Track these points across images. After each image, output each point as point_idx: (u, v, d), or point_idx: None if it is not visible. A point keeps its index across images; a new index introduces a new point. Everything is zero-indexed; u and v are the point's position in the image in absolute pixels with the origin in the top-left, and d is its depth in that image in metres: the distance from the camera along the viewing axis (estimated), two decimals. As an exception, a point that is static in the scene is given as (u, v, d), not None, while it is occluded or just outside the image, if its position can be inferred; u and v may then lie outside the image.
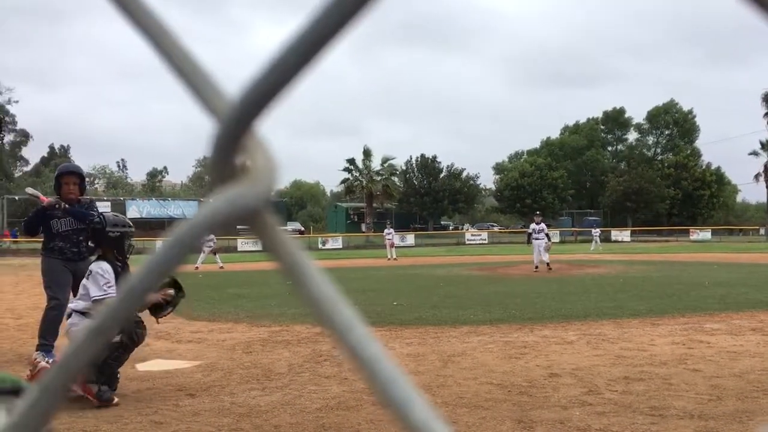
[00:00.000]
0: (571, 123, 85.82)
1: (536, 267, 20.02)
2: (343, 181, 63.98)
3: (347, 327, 0.36)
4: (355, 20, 0.33)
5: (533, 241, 20.44)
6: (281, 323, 9.69)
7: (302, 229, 65.56)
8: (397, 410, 0.33)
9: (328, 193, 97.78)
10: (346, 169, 63.14)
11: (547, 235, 20.54)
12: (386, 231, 33.03)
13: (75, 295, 5.89)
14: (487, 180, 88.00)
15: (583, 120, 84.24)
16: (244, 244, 46.67)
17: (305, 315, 10.43)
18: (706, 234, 54.84)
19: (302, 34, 0.34)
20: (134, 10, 0.39)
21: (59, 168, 7.10)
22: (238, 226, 0.37)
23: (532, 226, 20.95)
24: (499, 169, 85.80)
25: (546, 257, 20.04)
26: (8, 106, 71.59)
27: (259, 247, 47.98)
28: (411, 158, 69.59)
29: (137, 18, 0.40)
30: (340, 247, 49.02)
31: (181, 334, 8.95)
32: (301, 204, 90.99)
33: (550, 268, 19.84)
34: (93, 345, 0.36)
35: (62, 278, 6.59)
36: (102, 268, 5.39)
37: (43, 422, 0.35)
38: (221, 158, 0.37)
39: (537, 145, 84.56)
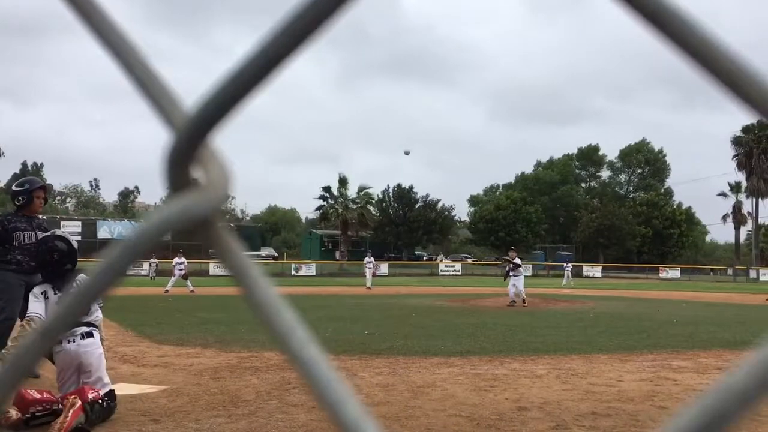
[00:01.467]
0: (545, 159, 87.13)
1: (511, 302, 20.05)
2: (319, 208, 63.95)
3: (288, 330, 0.39)
4: (311, 38, 0.34)
5: (511, 276, 20.49)
6: (251, 349, 9.57)
7: (275, 255, 65.10)
8: (331, 410, 0.36)
9: (304, 220, 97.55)
10: (321, 197, 63.19)
11: (514, 261, 20.46)
12: (366, 259, 32.99)
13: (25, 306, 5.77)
14: (462, 212, 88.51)
15: (558, 156, 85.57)
16: (215, 268, 46.22)
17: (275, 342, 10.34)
18: (675, 272, 55.68)
19: (258, 50, 0.35)
20: (96, 21, 0.40)
21: (32, 181, 7.05)
22: (195, 238, 0.39)
23: (509, 257, 20.94)
24: (474, 201, 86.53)
25: (522, 291, 20.06)
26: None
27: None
28: (388, 187, 69.71)
29: (99, 29, 0.41)
30: (314, 274, 48.79)
31: (148, 358, 8.80)
32: (275, 230, 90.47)
33: (524, 303, 19.86)
34: (40, 346, 0.37)
35: (16, 292, 6.49)
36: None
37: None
38: (176, 168, 0.38)
39: (512, 179, 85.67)
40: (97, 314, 5.53)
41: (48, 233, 5.99)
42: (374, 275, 32.96)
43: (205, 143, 0.38)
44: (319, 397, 0.36)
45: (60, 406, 5.03)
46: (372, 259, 33.25)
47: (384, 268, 51.97)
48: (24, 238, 6.63)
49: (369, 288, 30.25)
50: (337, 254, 63.30)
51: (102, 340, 5.62)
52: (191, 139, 0.38)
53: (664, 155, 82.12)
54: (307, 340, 0.38)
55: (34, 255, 6.44)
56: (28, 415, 5.01)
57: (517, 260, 20.73)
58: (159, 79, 0.41)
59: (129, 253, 0.37)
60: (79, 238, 36.29)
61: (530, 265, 53.13)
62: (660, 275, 55.06)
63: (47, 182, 7.23)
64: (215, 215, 0.38)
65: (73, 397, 4.99)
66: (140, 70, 0.41)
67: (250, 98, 0.37)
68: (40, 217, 6.97)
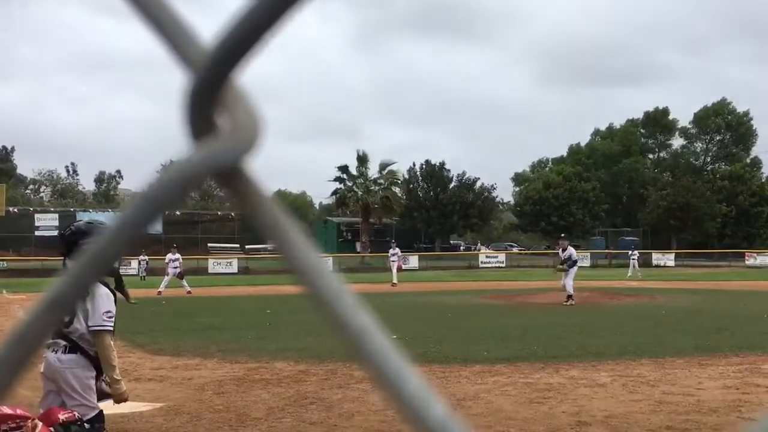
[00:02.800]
0: (603, 126, 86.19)
1: (568, 296, 19.86)
2: (335, 192, 64.05)
3: (333, 295, 0.39)
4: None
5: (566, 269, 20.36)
6: (259, 359, 9.67)
7: (286, 266, 65.67)
8: (389, 385, 0.37)
9: (317, 206, 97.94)
10: (337, 179, 63.16)
11: (569, 260, 20.30)
12: (391, 251, 33.04)
13: None
14: (506, 192, 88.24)
15: (619, 122, 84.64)
16: (215, 265, 46.76)
17: (288, 350, 10.43)
18: (765, 258, 54.52)
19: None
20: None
21: None
22: (218, 187, 0.39)
23: (559, 254, 20.88)
24: (519, 179, 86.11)
25: (570, 286, 19.90)
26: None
27: (233, 269, 48.18)
28: (414, 165, 69.41)
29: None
30: (331, 269, 49.24)
31: (141, 371, 8.93)
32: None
33: (567, 301, 19.66)
34: (50, 316, 0.38)
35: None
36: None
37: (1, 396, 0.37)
38: (197, 112, 0.38)
39: (564, 151, 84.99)
40: (77, 326, 5.60)
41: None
42: (400, 269, 32.96)
43: (229, 83, 0.39)
44: (372, 371, 0.37)
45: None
46: (398, 250, 33.31)
47: (413, 260, 52.06)
48: None
49: (394, 284, 30.31)
50: (358, 245, 63.51)
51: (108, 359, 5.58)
52: (213, 79, 0.38)
53: (750, 118, 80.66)
54: (355, 307, 0.39)
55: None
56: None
57: (570, 251, 20.60)
58: (174, 13, 0.42)
59: (147, 212, 0.37)
60: (57, 232, 36.80)
61: (588, 254, 52.85)
62: (746, 262, 54.01)
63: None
64: (244, 164, 0.39)
65: (32, 421, 5.06)
66: (152, 5, 0.41)
67: (277, 28, 0.38)
68: None
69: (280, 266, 0.41)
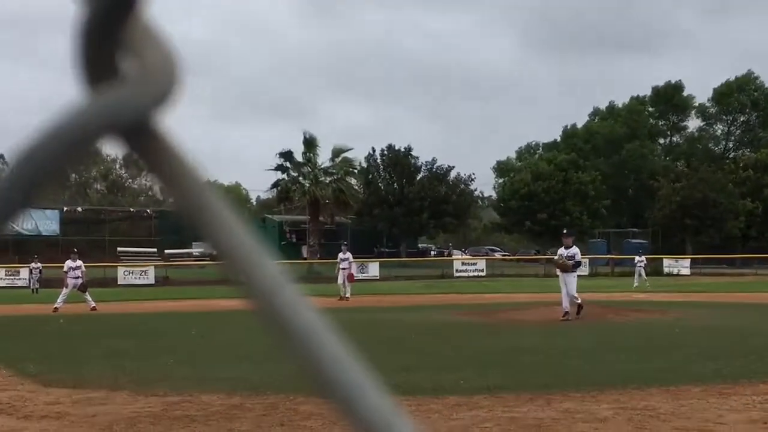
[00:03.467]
0: (604, 104, 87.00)
1: (565, 313, 20.17)
2: (276, 184, 63.63)
3: (271, 286, 0.37)
4: None
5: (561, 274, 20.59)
6: (182, 391, 9.56)
7: (214, 253, 64.87)
8: (342, 398, 0.36)
9: (253, 201, 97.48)
10: (279, 167, 62.81)
11: (572, 259, 20.56)
12: (341, 256, 32.80)
13: None
14: (486, 185, 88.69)
15: (623, 100, 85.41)
16: (127, 274, 46.28)
17: (218, 379, 10.33)
18: None
19: None
20: None
21: None
22: (124, 151, 0.37)
23: (561, 251, 21.08)
24: (503, 169, 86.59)
25: (575, 294, 20.14)
26: None
27: (149, 279, 47.64)
28: (374, 152, 68.79)
29: None
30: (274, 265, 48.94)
31: (32, 407, 8.77)
32: None
33: (579, 313, 19.96)
34: None
35: None
36: None
37: None
38: (94, 51, 0.35)
39: (557, 135, 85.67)
40: None
41: None
42: (352, 280, 32.58)
43: (135, 15, 0.35)
44: (320, 379, 0.36)
45: None
46: (349, 255, 32.98)
47: (373, 268, 52.09)
48: None
49: (346, 299, 30.19)
50: (305, 250, 63.21)
51: None
52: (115, 10, 0.35)
53: None
54: (299, 301, 0.38)
55: None
56: None
57: (575, 250, 20.80)
58: None
59: (21, 181, 0.33)
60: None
61: (586, 260, 53.28)
62: None
63: None
64: (155, 119, 0.36)
65: None
66: None
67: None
68: None
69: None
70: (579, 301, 20.24)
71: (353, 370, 0.38)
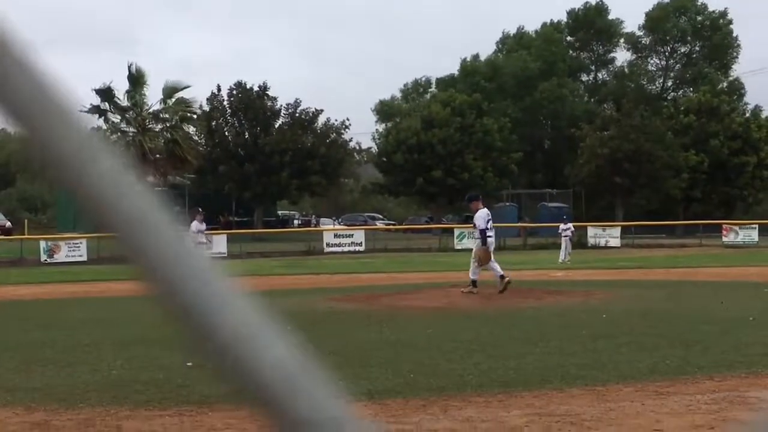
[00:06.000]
0: (512, 30, 78.95)
1: (501, 276, 19.03)
2: (91, 133, 59.30)
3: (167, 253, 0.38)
4: None
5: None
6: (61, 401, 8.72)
7: (8, 224, 58.77)
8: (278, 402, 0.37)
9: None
10: (95, 110, 52.48)
11: (483, 232, 19.34)
12: (197, 227, 31.31)
13: None
14: (365, 134, 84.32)
15: (535, 26, 77.81)
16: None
17: (14, 390, 9.55)
18: (749, 233, 51.64)
19: None
20: None
21: None
22: None
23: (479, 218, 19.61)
24: (385, 112, 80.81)
25: (497, 268, 19.09)
26: None
27: None
28: (220, 90, 58.98)
29: None
30: (85, 259, 43.40)
31: None
32: (4, 178, 77.96)
33: (504, 286, 18.89)
34: None
35: None
36: None
37: None
38: None
39: (454, 69, 77.33)
40: None
41: None
42: None
43: None
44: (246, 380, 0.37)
45: None
46: (202, 224, 31.58)
47: (219, 242, 46.11)
48: None
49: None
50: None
51: None
52: None
53: (729, 21, 73.79)
54: (217, 278, 0.38)
55: None
56: None
57: (480, 216, 19.35)
58: None
59: None
60: None
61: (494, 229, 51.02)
62: (723, 239, 51.27)
63: None
64: None
65: None
66: None
67: None
68: None
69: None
70: (474, 278, 19.19)
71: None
